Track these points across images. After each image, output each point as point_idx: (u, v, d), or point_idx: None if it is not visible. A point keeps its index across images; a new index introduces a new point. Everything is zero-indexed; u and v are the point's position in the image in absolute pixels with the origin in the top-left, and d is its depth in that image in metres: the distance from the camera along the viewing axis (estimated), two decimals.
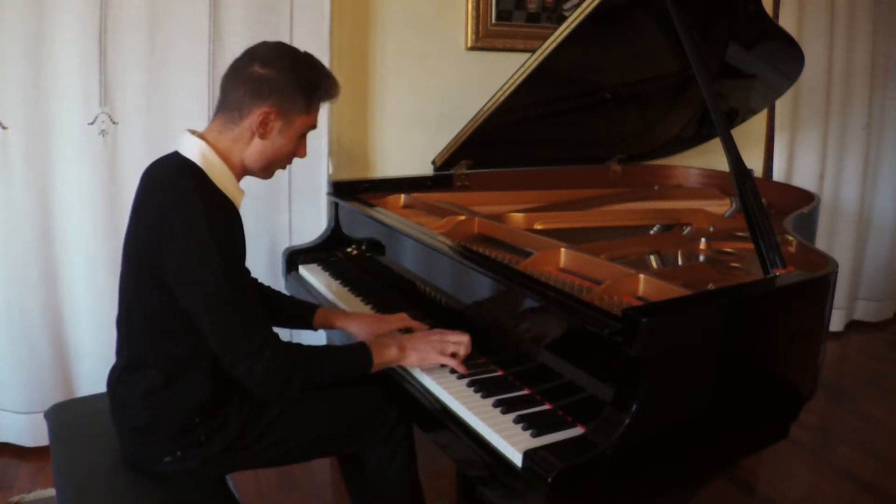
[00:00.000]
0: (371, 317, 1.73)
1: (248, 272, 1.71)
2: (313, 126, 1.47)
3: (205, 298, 1.28)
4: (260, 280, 1.76)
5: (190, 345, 1.36)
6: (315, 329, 1.74)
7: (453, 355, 1.47)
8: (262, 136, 1.39)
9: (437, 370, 1.48)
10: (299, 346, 1.39)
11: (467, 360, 1.49)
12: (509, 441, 1.20)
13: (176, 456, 1.39)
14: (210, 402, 1.40)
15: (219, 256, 1.26)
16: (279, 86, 1.36)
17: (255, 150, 1.40)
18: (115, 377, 1.45)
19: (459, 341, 1.47)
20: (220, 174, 1.37)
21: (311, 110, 1.43)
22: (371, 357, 1.44)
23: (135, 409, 1.39)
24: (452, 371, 1.46)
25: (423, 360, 1.46)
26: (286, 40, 2.48)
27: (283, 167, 1.49)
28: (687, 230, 2.09)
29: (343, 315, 1.73)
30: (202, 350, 1.35)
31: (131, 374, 1.40)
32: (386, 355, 1.46)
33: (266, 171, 1.46)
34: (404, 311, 1.79)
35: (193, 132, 1.39)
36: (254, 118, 1.37)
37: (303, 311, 1.73)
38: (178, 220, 1.27)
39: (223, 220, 1.31)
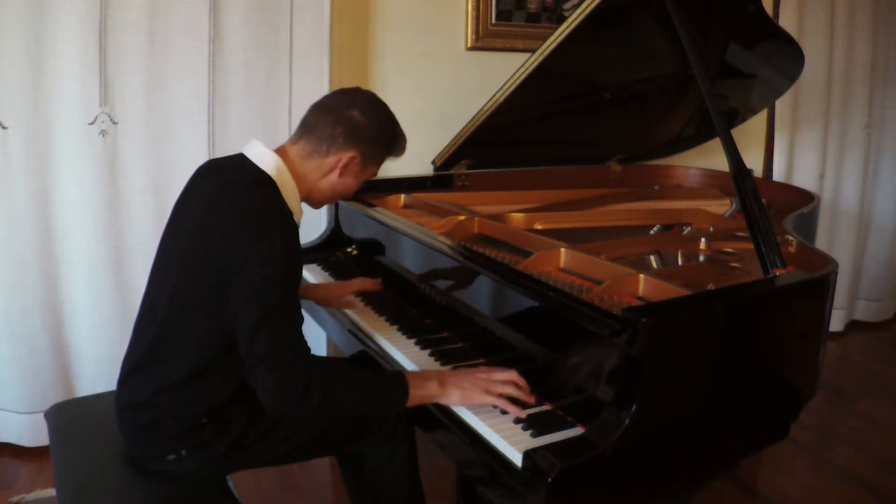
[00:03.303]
0: (329, 283, 1.92)
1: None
2: (375, 175, 1.57)
3: (253, 293, 1.27)
4: None
5: (225, 349, 1.35)
6: None
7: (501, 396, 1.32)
8: (341, 175, 1.47)
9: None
10: (328, 361, 1.35)
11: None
12: (509, 441, 1.20)
13: (180, 455, 1.39)
14: (221, 403, 1.40)
15: (284, 263, 1.28)
16: (372, 136, 1.47)
17: (328, 183, 1.48)
18: (130, 370, 1.43)
19: (507, 380, 1.33)
20: (289, 191, 1.42)
21: (382, 162, 1.55)
22: (407, 389, 1.33)
23: (144, 405, 1.39)
24: None
25: (468, 400, 1.32)
26: (286, 40, 2.48)
27: (333, 202, 1.60)
28: (687, 230, 2.09)
29: (306, 285, 1.89)
30: (232, 357, 1.34)
31: (151, 368, 1.39)
32: (424, 389, 1.34)
33: (323, 202, 1.54)
34: (405, 311, 1.79)
35: (261, 143, 1.43)
36: (342, 157, 1.45)
37: None
38: (254, 225, 1.29)
39: (293, 234, 1.35)
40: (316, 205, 1.55)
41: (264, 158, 1.41)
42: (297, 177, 1.45)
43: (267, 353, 1.25)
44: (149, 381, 1.39)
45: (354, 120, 1.44)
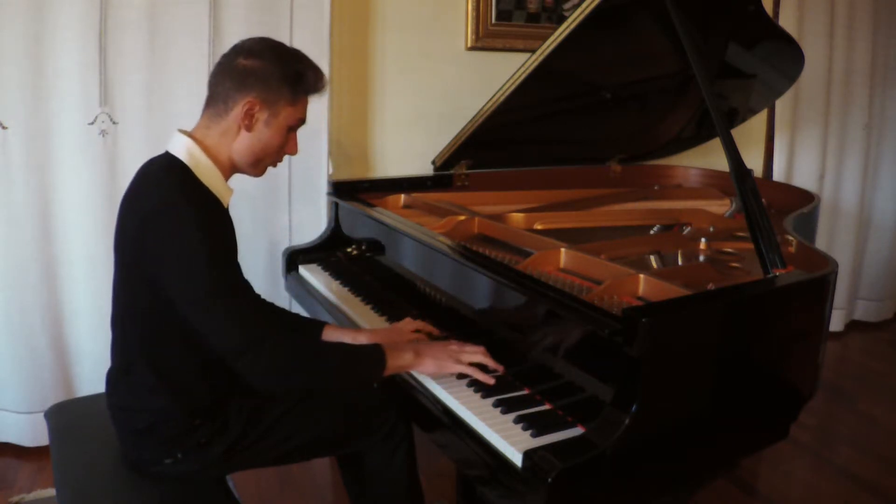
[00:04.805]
0: (382, 330, 1.68)
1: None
2: (301, 119, 1.45)
3: (196, 296, 1.26)
4: (260, 280, 1.77)
5: (180, 346, 1.35)
6: None
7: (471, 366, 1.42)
8: (248, 129, 1.38)
9: None
10: (307, 340, 1.36)
11: None
12: (509, 441, 1.20)
13: (176, 458, 1.39)
14: (209, 403, 1.40)
15: (206, 252, 1.25)
16: (264, 76, 1.36)
17: (242, 144, 1.39)
18: (112, 380, 1.44)
19: (476, 351, 1.43)
20: (206, 172, 1.37)
21: (298, 102, 1.42)
22: (384, 359, 1.38)
23: (134, 411, 1.39)
24: (460, 376, 1.43)
25: (441, 368, 1.41)
26: (286, 40, 2.48)
27: (274, 164, 1.47)
28: (687, 230, 2.09)
29: (352, 332, 1.67)
30: (193, 351, 1.35)
31: (126, 376, 1.40)
32: (400, 359, 1.40)
33: (255, 166, 1.44)
34: (405, 311, 1.79)
35: (183, 131, 1.39)
36: (238, 110, 1.36)
37: (309, 329, 1.66)
38: (164, 218, 1.27)
39: (210, 218, 1.31)
40: (250, 171, 1.45)
41: (177, 146, 1.37)
42: (212, 151, 1.38)
43: (245, 343, 1.26)
44: (131, 388, 1.39)
45: (240, 66, 1.36)
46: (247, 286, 1.36)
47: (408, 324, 1.66)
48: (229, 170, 1.43)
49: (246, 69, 1.36)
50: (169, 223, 1.26)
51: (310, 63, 1.42)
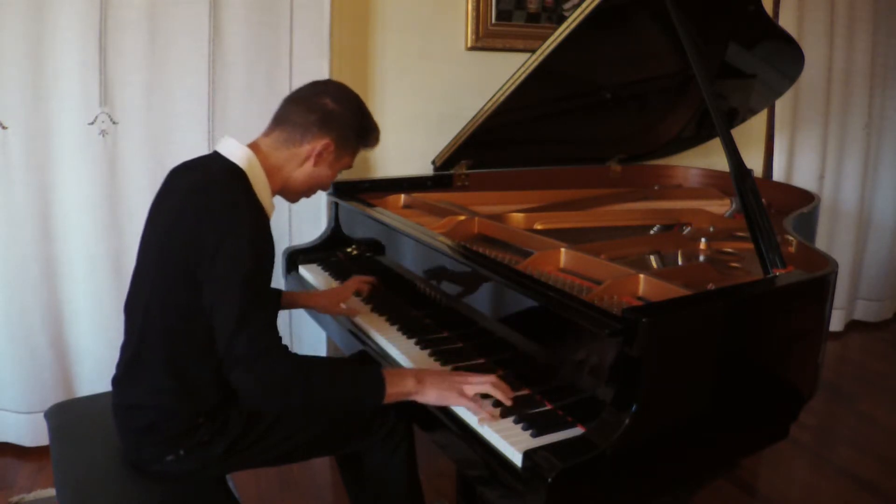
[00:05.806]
0: (328, 290, 1.90)
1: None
2: (349, 166, 1.58)
3: (223, 294, 1.28)
4: None
5: (201, 346, 1.35)
6: (280, 308, 1.80)
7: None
8: (316, 164, 1.48)
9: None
10: (306, 359, 1.35)
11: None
12: (509, 441, 1.20)
13: (178, 456, 1.39)
14: (215, 403, 1.40)
15: (252, 258, 1.29)
16: (345, 123, 1.49)
17: (303, 173, 1.49)
18: (121, 374, 1.44)
19: (484, 382, 1.34)
20: (260, 185, 1.42)
21: (356, 152, 1.56)
22: (384, 386, 1.35)
23: (138, 407, 1.39)
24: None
25: (443, 399, 1.35)
26: (286, 40, 2.48)
27: (308, 196, 1.58)
28: (687, 230, 2.09)
29: (305, 294, 1.89)
30: (211, 352, 1.35)
31: (138, 371, 1.40)
32: (401, 386, 1.36)
33: (300, 194, 1.55)
34: (404, 311, 1.79)
35: (234, 139, 1.43)
36: (316, 145, 1.46)
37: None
38: (223, 217, 1.30)
39: (263, 227, 1.35)
40: (292, 197, 1.56)
41: (235, 152, 1.41)
42: (271, 169, 1.45)
43: (247, 355, 1.26)
44: (138, 385, 1.39)
45: (327, 107, 1.46)
46: (273, 303, 1.37)
47: (353, 281, 1.86)
48: (277, 190, 1.50)
49: (333, 113, 1.47)
50: (229, 222, 1.29)
51: (373, 120, 1.57)
